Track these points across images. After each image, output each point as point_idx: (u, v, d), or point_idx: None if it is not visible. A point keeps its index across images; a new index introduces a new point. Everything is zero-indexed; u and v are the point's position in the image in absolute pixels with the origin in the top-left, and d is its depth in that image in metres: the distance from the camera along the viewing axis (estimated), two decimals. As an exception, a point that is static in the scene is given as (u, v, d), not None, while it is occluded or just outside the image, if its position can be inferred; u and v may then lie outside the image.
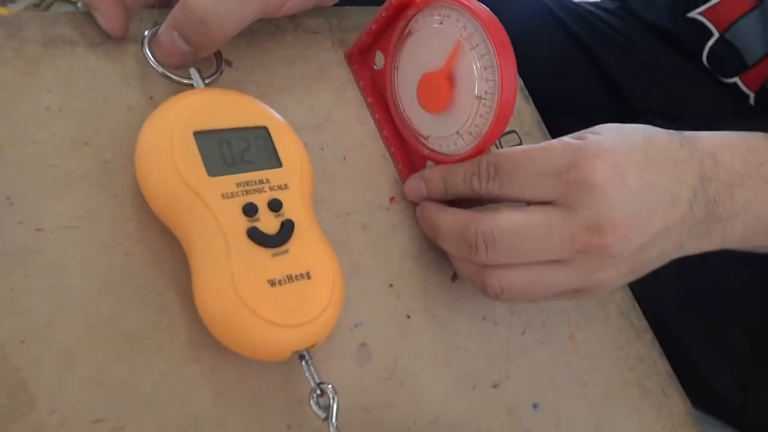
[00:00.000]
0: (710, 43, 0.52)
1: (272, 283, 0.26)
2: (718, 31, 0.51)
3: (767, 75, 0.51)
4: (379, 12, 0.35)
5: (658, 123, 0.33)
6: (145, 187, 0.27)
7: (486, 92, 0.31)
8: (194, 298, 0.26)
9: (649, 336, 0.43)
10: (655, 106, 0.56)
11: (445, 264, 0.36)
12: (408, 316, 0.34)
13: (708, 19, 0.52)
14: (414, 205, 0.36)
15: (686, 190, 0.32)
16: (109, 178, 0.28)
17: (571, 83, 0.59)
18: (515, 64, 0.30)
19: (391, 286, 0.34)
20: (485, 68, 0.31)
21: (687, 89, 0.56)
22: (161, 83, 0.30)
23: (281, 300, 0.26)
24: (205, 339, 0.27)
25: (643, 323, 0.44)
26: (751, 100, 0.53)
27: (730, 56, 0.52)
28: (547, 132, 0.45)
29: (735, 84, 0.53)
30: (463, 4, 0.31)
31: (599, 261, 0.30)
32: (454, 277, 0.36)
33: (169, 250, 0.28)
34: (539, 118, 0.46)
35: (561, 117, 0.45)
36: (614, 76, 0.59)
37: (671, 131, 0.33)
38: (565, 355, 0.39)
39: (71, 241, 0.26)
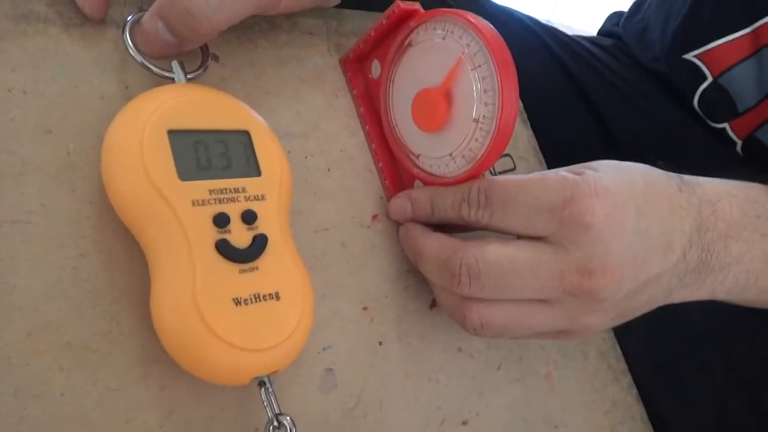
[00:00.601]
0: (703, 86, 0.51)
1: (237, 301, 0.24)
2: (712, 75, 0.50)
3: (757, 124, 0.50)
4: (380, 19, 0.33)
5: (659, 164, 0.32)
6: (109, 184, 0.25)
7: (484, 116, 0.29)
8: (150, 311, 0.24)
9: (627, 379, 0.42)
10: (641, 145, 0.55)
11: (424, 290, 0.34)
12: (380, 343, 0.32)
13: (703, 63, 0.51)
14: (397, 225, 0.34)
15: (682, 238, 0.31)
16: (70, 172, 0.26)
17: (563, 119, 0.58)
18: (518, 90, 0.29)
19: (365, 309, 0.32)
20: (485, 91, 0.29)
21: (675, 132, 0.55)
22: (140, 74, 0.28)
23: (245, 321, 0.24)
24: (157, 355, 0.24)
25: (622, 365, 0.42)
26: (738, 148, 0.52)
27: (721, 102, 0.51)
28: (542, 159, 0.44)
29: (723, 130, 0.52)
30: (468, 20, 0.29)
31: (586, 305, 0.29)
32: (433, 304, 0.35)
33: (128, 254, 0.26)
34: (536, 144, 0.44)
35: (552, 151, 0.44)
36: (604, 113, 0.58)
37: (671, 174, 0.32)
38: (541, 394, 0.37)
39: (20, 237, 0.24)
